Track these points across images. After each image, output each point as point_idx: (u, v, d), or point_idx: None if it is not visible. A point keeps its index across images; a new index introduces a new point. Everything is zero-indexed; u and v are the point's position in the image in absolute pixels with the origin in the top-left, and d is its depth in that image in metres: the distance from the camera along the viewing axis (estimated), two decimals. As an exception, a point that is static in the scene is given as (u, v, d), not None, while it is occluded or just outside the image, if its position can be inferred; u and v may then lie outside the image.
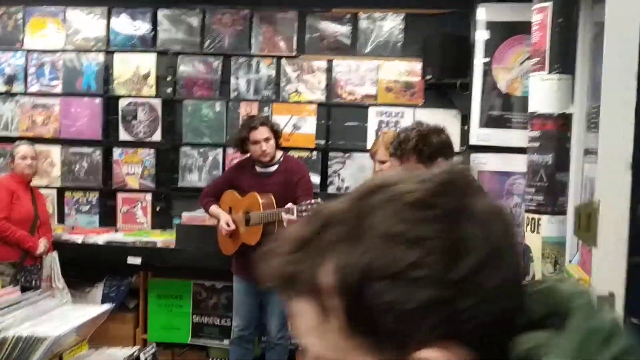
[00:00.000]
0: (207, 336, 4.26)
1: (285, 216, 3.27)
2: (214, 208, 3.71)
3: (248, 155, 3.70)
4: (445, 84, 4.08)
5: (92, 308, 2.00)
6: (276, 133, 3.64)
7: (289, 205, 3.26)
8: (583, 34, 3.55)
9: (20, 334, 1.73)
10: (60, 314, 1.93)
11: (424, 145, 2.16)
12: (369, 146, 4.02)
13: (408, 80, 4.31)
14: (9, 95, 4.66)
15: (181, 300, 4.28)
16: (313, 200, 3.24)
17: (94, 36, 4.59)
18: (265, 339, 3.82)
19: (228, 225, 3.58)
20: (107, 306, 2.04)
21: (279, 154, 3.69)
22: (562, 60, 2.44)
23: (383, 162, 3.20)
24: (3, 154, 4.45)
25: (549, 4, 2.42)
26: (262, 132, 3.54)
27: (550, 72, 2.46)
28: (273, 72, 4.45)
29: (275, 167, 3.64)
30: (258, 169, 3.66)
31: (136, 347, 2.00)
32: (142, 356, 1.95)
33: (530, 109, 2.55)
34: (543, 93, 2.49)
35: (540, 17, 2.46)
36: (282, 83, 4.44)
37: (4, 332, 1.74)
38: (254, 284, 3.64)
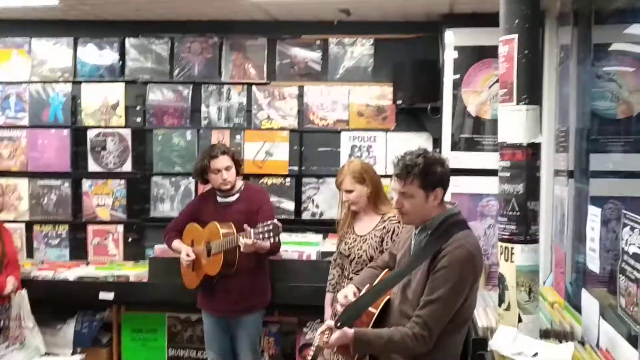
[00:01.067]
0: (183, 370, 4.18)
1: (242, 240, 3.22)
2: (175, 243, 3.67)
3: (210, 186, 3.67)
4: (417, 108, 4.11)
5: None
6: (237, 162, 3.61)
7: (246, 227, 3.22)
8: (549, 59, 3.63)
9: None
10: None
11: (428, 173, 2.19)
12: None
13: (379, 105, 4.33)
14: (-27, 128, 4.56)
15: (156, 333, 4.20)
16: (269, 222, 3.19)
17: (61, 67, 4.52)
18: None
19: (188, 255, 3.53)
20: (77, 357, 1.98)
21: (240, 183, 3.66)
22: (529, 91, 2.48)
23: (350, 192, 3.17)
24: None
25: (515, 36, 2.46)
26: (222, 161, 3.51)
27: (518, 103, 2.49)
28: (244, 99, 4.43)
29: (236, 196, 3.61)
30: (219, 199, 3.63)
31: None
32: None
33: (500, 138, 2.58)
34: (512, 124, 2.52)
35: (507, 49, 2.50)
36: (253, 110, 4.42)
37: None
38: (221, 318, 3.59)
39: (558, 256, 3.40)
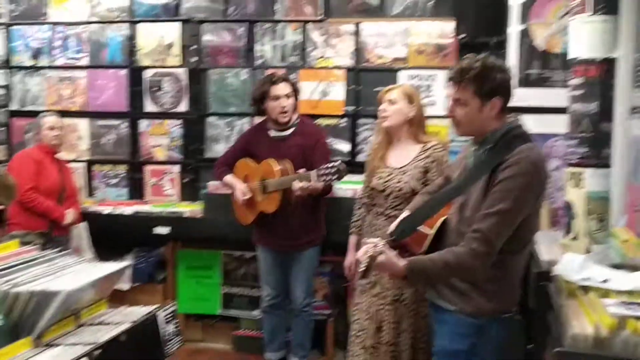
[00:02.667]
0: (237, 307, 4.20)
1: (296, 185, 3.11)
2: (228, 177, 3.59)
3: (262, 119, 3.58)
4: (480, 43, 3.87)
5: (110, 265, 1.92)
6: (296, 92, 3.50)
7: (304, 172, 3.10)
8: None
9: (33, 289, 1.66)
10: (77, 271, 1.86)
11: (485, 79, 2.00)
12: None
13: (440, 42, 4.13)
14: (35, 69, 4.65)
15: (210, 271, 4.23)
16: (333, 164, 3.03)
17: (117, 6, 4.52)
18: (291, 307, 3.71)
19: (244, 194, 3.47)
20: (125, 263, 1.96)
21: (295, 116, 3.54)
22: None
23: (392, 102, 2.95)
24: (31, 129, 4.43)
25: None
26: (283, 88, 3.41)
27: (592, 14, 2.28)
28: (299, 38, 4.32)
29: (291, 130, 3.50)
30: (272, 133, 3.53)
31: (156, 305, 1.92)
32: (161, 314, 1.87)
33: (572, 54, 2.37)
34: (585, 37, 2.32)
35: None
36: (308, 48, 4.30)
37: (17, 288, 1.68)
38: (278, 252, 3.55)
39: (633, 196, 3.16)
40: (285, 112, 3.42)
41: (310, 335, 3.72)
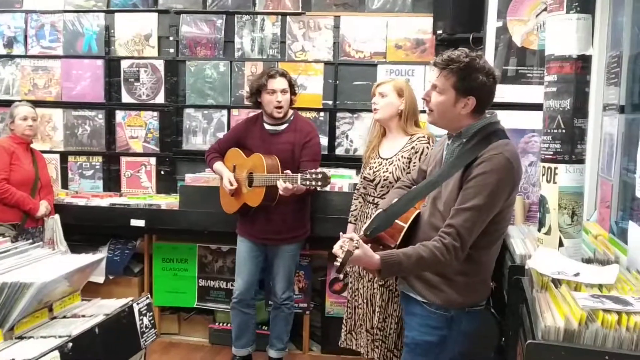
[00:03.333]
0: (213, 300, 4.19)
1: (281, 184, 3.13)
2: (218, 165, 3.60)
3: (258, 111, 3.58)
4: (458, 38, 3.91)
5: (84, 257, 1.90)
6: (293, 88, 3.50)
7: (291, 174, 3.12)
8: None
9: (5, 281, 1.64)
10: (50, 262, 1.84)
11: (467, 76, 2.02)
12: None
13: (418, 37, 4.15)
14: (9, 58, 4.56)
15: (186, 263, 4.20)
16: (319, 171, 3.08)
17: (94, -5, 4.47)
18: (271, 301, 3.72)
19: (231, 184, 3.47)
20: (99, 255, 1.94)
21: (290, 112, 3.55)
22: (581, -2, 2.28)
23: (383, 96, 3.03)
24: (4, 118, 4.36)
25: (568, -63, 2.26)
26: (280, 82, 3.42)
27: (568, 12, 2.30)
28: (278, 30, 4.31)
29: (285, 125, 3.51)
30: (267, 127, 3.53)
31: (130, 298, 1.90)
32: (135, 307, 1.86)
33: (548, 51, 2.39)
34: (560, 34, 2.33)
35: (558, -49, 2.30)
36: (287, 41, 4.29)
37: (-11, 279, 1.65)
38: (259, 244, 3.56)
39: (604, 191, 3.23)
40: (280, 107, 3.42)
41: (288, 329, 3.73)
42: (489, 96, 2.13)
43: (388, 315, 2.91)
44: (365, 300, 3.00)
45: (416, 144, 2.95)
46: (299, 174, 3.10)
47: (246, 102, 3.87)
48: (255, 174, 3.38)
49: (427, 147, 2.92)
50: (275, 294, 3.63)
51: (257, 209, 3.41)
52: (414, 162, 2.90)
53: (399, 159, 2.96)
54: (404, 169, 2.93)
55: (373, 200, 3.03)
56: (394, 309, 2.90)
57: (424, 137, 2.96)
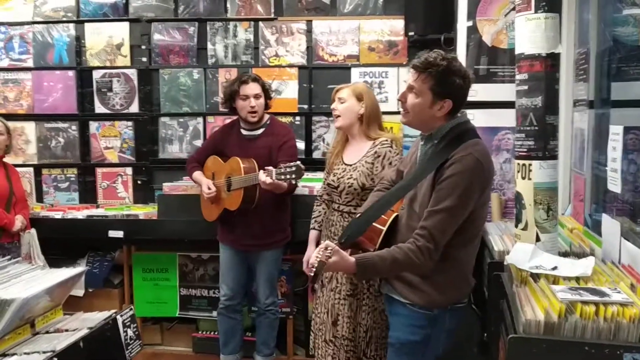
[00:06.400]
0: (195, 308, 4.16)
1: (262, 177, 3.10)
2: (196, 174, 3.60)
3: (235, 118, 3.58)
4: (429, 39, 3.95)
5: (65, 271, 1.88)
6: (267, 92, 3.51)
7: (269, 168, 3.13)
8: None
9: (-15, 298, 1.62)
10: (30, 278, 1.82)
11: (444, 80, 2.05)
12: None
13: (391, 39, 4.19)
14: (-22, 71, 4.49)
15: (167, 273, 4.18)
16: (292, 163, 3.05)
17: (63, 6, 4.41)
18: (255, 307, 3.71)
19: (209, 188, 3.46)
20: (80, 269, 1.93)
21: (267, 117, 3.56)
22: (548, -3, 2.34)
23: (342, 101, 3.00)
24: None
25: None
26: (253, 88, 3.42)
27: (536, 11, 2.36)
28: (251, 36, 4.31)
29: (262, 130, 3.52)
30: (244, 132, 3.54)
31: (113, 311, 1.89)
32: (119, 319, 1.85)
33: (517, 50, 2.45)
34: (529, 33, 2.38)
35: (525, -48, 2.35)
36: (261, 47, 4.30)
37: (-31, 297, 1.63)
38: (240, 251, 3.55)
39: (577, 185, 3.30)
40: (255, 112, 3.42)
41: (274, 334, 3.73)
42: (464, 98, 2.17)
43: (357, 324, 2.88)
44: (325, 310, 2.95)
45: (379, 149, 2.91)
46: (274, 169, 3.09)
47: (221, 109, 3.87)
48: (233, 177, 3.38)
49: (390, 151, 2.90)
50: (258, 300, 3.63)
51: (237, 214, 3.40)
52: (377, 167, 2.88)
53: (362, 165, 2.92)
54: (368, 174, 2.89)
55: (338, 207, 2.99)
56: (362, 317, 2.87)
57: (386, 140, 2.93)
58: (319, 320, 2.99)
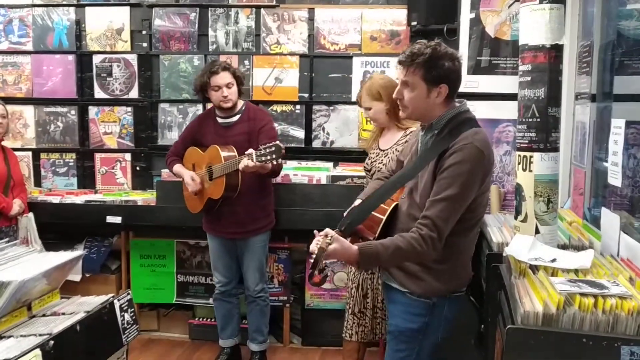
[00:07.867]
0: (192, 295, 4.17)
1: (243, 162, 3.11)
2: (177, 167, 3.60)
3: (209, 107, 3.57)
4: (432, 30, 3.93)
5: (62, 254, 1.88)
6: (239, 79, 3.49)
7: (249, 151, 3.12)
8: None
9: (-18, 280, 1.61)
10: (28, 260, 1.81)
11: (433, 66, 2.05)
12: (354, 98, 3.90)
13: (393, 29, 4.17)
14: (-24, 53, 4.46)
15: (164, 259, 4.17)
16: (272, 143, 3.07)
17: (64, -11, 4.38)
18: (246, 294, 3.70)
19: (193, 179, 3.45)
20: (77, 253, 1.92)
21: (241, 103, 3.55)
22: (554, -12, 2.32)
23: (368, 109, 3.11)
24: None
25: None
26: (223, 77, 3.40)
27: (541, 2, 2.34)
28: (253, 23, 4.28)
29: (238, 117, 3.51)
30: (220, 120, 3.53)
31: (110, 295, 1.88)
32: (116, 303, 1.84)
33: (521, 41, 2.43)
34: (534, 24, 2.36)
35: (531, -59, 2.32)
36: (262, 34, 4.27)
37: (-35, 279, 1.62)
38: (228, 239, 3.55)
39: (577, 179, 3.29)
40: (227, 101, 3.41)
41: (266, 320, 3.73)
42: (458, 79, 2.16)
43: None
44: (355, 285, 3.14)
45: (409, 138, 2.98)
46: (254, 152, 3.09)
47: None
48: (214, 166, 3.38)
49: None
50: (248, 288, 3.63)
51: (221, 203, 3.40)
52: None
53: (393, 152, 3.04)
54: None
55: None
56: None
57: (416, 130, 3.01)
58: (348, 295, 3.22)
